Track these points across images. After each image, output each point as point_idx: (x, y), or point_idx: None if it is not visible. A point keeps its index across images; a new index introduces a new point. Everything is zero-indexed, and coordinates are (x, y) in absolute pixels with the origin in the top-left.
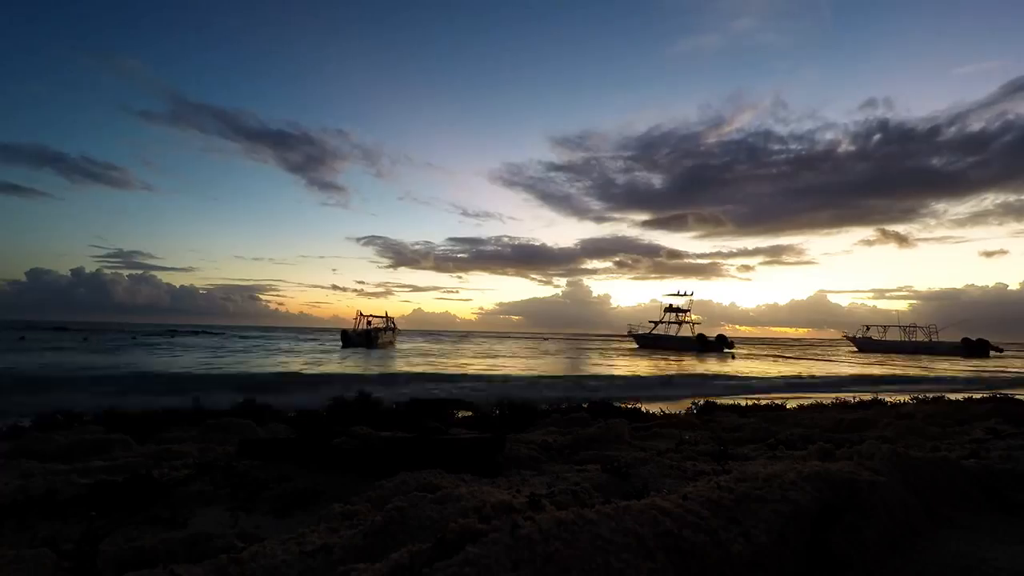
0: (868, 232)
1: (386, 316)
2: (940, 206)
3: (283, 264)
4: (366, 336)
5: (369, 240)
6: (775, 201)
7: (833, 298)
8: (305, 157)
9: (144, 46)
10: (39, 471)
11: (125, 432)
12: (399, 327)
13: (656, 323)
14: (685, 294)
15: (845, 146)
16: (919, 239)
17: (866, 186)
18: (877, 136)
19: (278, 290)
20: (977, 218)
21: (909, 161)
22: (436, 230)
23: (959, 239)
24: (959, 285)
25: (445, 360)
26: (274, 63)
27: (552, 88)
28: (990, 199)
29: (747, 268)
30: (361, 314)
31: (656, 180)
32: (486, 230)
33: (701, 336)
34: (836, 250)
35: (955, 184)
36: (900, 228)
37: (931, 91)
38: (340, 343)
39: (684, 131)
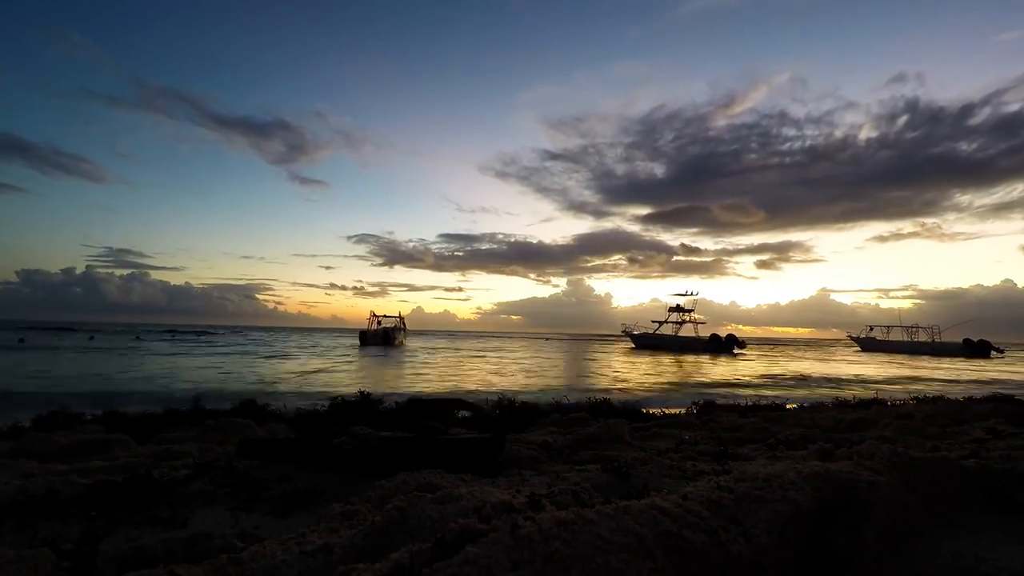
0: (882, 227)
1: (399, 316)
2: (965, 198)
3: (275, 263)
4: (384, 336)
5: (361, 238)
6: (786, 193)
7: (838, 297)
8: (285, 145)
9: (86, 20)
10: (39, 471)
11: (125, 432)
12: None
13: (660, 323)
14: (691, 294)
15: (866, 132)
16: (936, 235)
17: (886, 176)
18: (903, 118)
19: (273, 290)
20: (1001, 211)
21: (935, 147)
22: (429, 226)
23: (971, 236)
24: (971, 283)
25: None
26: (236, 41)
27: (544, 59)
28: (1019, 189)
29: (753, 266)
30: (374, 314)
31: (658, 169)
32: (481, 226)
33: (715, 336)
34: (847, 247)
35: (983, 173)
36: (918, 222)
37: (968, 62)
38: (358, 343)
39: (690, 112)
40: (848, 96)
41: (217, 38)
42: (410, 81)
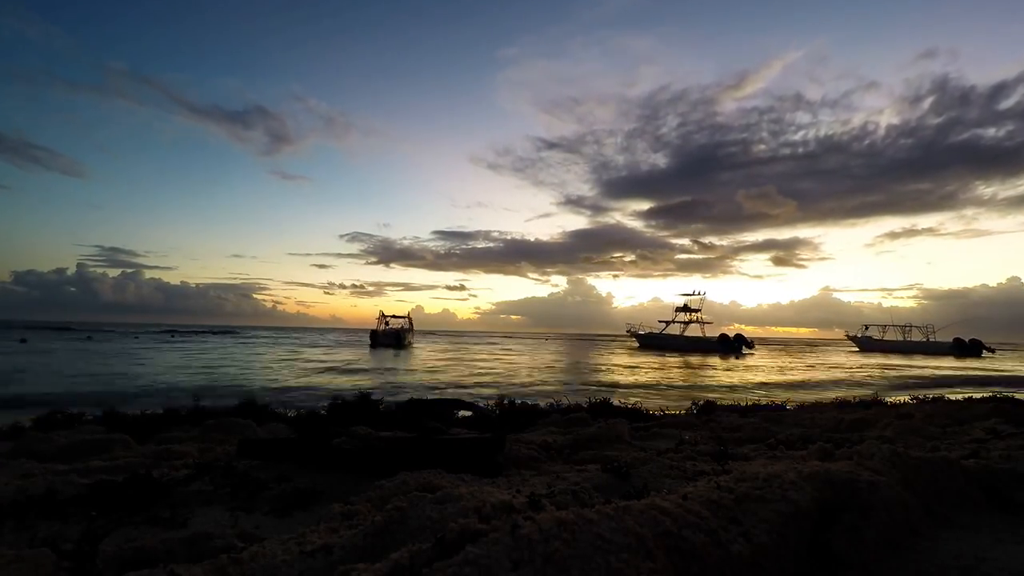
0: (896, 223)
1: (407, 317)
2: (989, 190)
3: (268, 262)
4: (395, 337)
5: (354, 236)
6: (797, 186)
7: (842, 296)
8: (267, 135)
9: None
10: (39, 471)
11: (125, 432)
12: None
13: (667, 323)
14: (698, 294)
15: (887, 117)
16: (955, 232)
17: (905, 167)
18: (928, 100)
19: (269, 289)
20: (1021, 204)
21: (960, 135)
22: (423, 222)
23: (983, 232)
24: (977, 282)
25: None
26: (199, 20)
27: (536, 24)
28: None
29: (757, 264)
30: (383, 315)
31: (661, 160)
32: (477, 222)
33: (723, 336)
34: (856, 244)
35: (1010, 162)
36: (934, 217)
37: (1008, 34)
38: (369, 344)
39: (696, 94)
40: (870, 75)
41: (179, 14)
42: (391, 57)
